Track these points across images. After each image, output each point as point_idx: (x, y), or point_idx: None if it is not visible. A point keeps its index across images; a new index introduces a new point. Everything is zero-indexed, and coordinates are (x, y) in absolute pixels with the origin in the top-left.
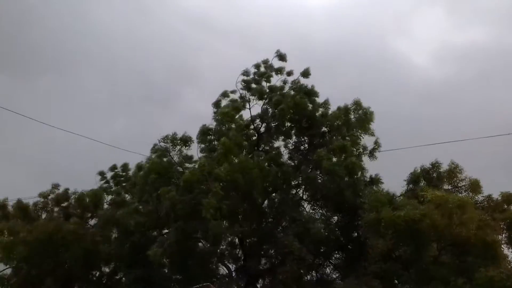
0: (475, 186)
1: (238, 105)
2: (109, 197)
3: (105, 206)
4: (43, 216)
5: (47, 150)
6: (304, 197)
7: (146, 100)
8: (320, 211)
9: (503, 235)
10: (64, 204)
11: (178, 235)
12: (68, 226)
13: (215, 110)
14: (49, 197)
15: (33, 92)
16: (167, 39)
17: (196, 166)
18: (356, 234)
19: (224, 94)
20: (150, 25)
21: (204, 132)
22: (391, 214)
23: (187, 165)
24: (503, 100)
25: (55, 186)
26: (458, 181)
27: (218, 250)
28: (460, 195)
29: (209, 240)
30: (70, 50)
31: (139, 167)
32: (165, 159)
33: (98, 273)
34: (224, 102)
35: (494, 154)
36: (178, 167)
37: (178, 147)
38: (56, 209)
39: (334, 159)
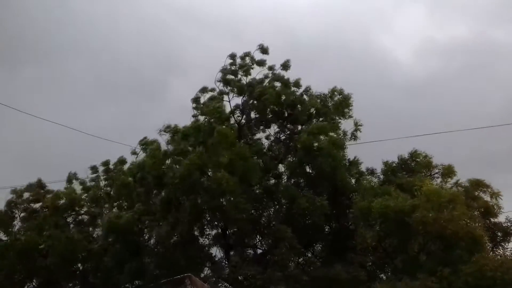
0: (448, 171)
1: (219, 99)
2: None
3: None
4: (17, 214)
5: (30, 141)
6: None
7: (133, 91)
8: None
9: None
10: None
11: (192, 209)
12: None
13: (194, 105)
14: (23, 196)
15: (17, 82)
16: (153, 30)
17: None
18: (340, 222)
19: (203, 90)
20: (135, 15)
21: (196, 128)
22: (382, 203)
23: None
24: (485, 94)
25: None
26: (432, 168)
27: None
28: (438, 183)
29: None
30: (54, 39)
31: (121, 161)
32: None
33: (80, 268)
34: (203, 98)
35: (476, 147)
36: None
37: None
38: (31, 205)
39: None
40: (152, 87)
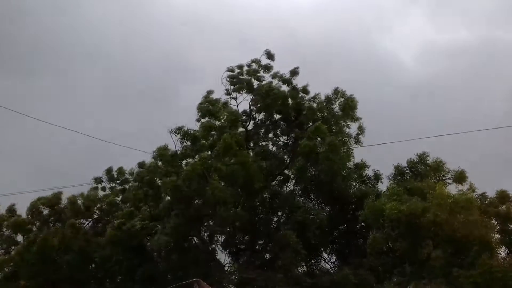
0: (460, 177)
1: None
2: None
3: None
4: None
5: (43, 147)
6: (296, 191)
7: (144, 97)
8: (312, 202)
9: (496, 233)
10: (56, 208)
11: (181, 219)
12: (65, 232)
13: (199, 112)
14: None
15: (31, 90)
16: (161, 36)
17: (196, 160)
18: (345, 227)
19: (207, 96)
20: (143, 22)
21: (206, 128)
22: (395, 207)
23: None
24: (489, 95)
25: (58, 194)
26: (443, 174)
27: (211, 248)
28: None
29: (216, 222)
30: (66, 49)
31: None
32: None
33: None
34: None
35: (484, 149)
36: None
37: (188, 142)
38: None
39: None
40: (163, 92)
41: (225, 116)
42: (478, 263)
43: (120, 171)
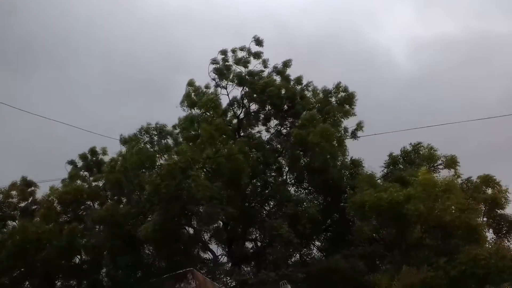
0: (451, 162)
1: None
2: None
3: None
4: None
5: (39, 139)
6: (288, 180)
7: (142, 90)
8: (305, 192)
9: (483, 217)
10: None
11: (162, 216)
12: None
13: (185, 101)
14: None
15: (30, 84)
16: (158, 31)
17: (176, 153)
18: (338, 215)
19: (190, 84)
20: (141, 18)
21: (189, 119)
22: (374, 196)
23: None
24: (478, 86)
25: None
26: (435, 160)
27: (203, 237)
28: (442, 175)
29: (202, 220)
30: (65, 43)
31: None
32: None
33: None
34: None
35: (477, 139)
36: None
37: (156, 138)
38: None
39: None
40: (160, 85)
41: (205, 103)
42: (464, 250)
43: (93, 152)
